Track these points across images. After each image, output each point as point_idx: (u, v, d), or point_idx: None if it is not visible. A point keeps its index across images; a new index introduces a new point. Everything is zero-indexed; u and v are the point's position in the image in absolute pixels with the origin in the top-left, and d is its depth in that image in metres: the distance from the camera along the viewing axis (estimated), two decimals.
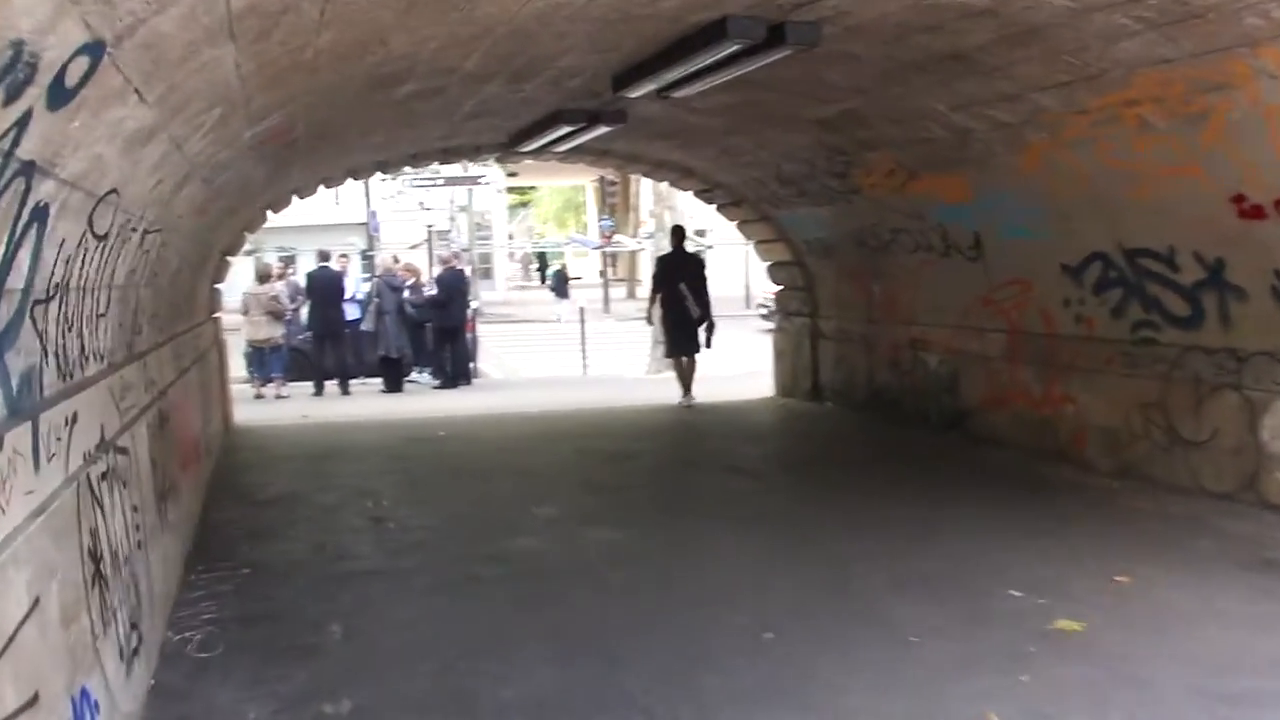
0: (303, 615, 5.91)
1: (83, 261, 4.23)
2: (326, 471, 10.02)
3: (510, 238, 54.95)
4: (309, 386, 16.78)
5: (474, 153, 13.10)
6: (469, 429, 12.64)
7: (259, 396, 16.46)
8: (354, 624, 5.75)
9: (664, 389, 15.09)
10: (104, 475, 4.43)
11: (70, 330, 4.21)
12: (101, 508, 4.30)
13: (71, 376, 4.22)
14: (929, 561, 6.55)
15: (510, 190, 54.84)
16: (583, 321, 21.76)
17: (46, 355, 3.80)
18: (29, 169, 3.04)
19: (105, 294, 4.90)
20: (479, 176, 30.26)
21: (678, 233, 14.44)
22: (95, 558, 4.07)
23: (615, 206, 45.69)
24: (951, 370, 10.79)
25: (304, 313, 17.53)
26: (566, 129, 10.40)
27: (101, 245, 4.52)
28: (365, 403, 15.80)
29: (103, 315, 4.89)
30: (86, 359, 4.56)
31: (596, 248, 45.53)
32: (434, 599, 6.21)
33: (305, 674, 5.08)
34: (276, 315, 16.59)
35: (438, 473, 10.10)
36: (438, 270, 20.99)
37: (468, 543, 7.45)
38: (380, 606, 6.06)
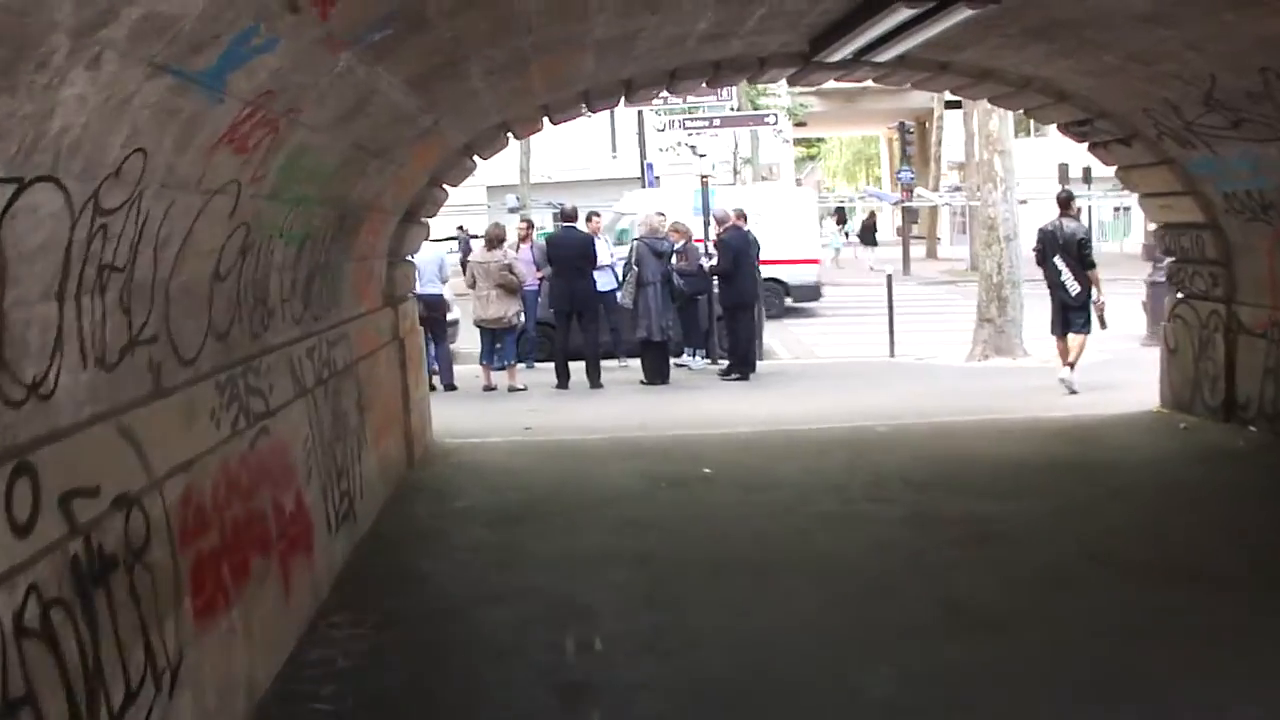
0: None
1: None
2: (519, 552, 6.59)
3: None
4: (553, 372, 13.59)
5: (758, 68, 9.25)
6: (746, 460, 9.04)
7: (488, 388, 13.34)
8: None
9: (997, 384, 13.21)
10: None
11: None
12: None
13: None
14: None
15: (796, 143, 51.37)
16: (890, 291, 17.53)
17: None
18: None
19: None
20: (763, 115, 26.50)
21: (1062, 200, 12.84)
22: None
23: (913, 158, 41.16)
24: None
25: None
26: (907, 13, 6.58)
27: None
28: (616, 401, 12.44)
29: None
30: None
31: (895, 202, 41.72)
32: None
33: None
34: (509, 289, 13.24)
35: (693, 564, 6.38)
36: (715, 231, 17.51)
37: None
38: None
